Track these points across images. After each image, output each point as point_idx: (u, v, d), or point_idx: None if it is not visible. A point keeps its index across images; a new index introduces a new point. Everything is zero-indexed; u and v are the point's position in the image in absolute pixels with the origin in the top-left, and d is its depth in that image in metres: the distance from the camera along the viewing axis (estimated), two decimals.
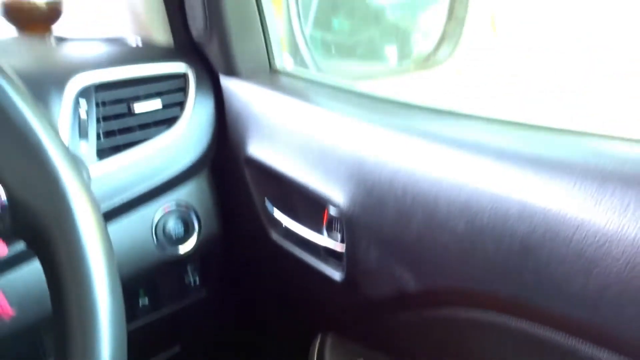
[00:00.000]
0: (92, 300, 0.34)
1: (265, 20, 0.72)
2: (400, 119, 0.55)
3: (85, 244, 0.34)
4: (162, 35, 0.77)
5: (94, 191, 0.61)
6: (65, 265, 0.34)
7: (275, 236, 0.67)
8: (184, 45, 0.76)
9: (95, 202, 0.36)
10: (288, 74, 0.74)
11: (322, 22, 0.88)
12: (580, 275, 0.37)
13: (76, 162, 0.36)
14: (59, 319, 0.34)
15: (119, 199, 0.64)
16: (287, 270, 0.68)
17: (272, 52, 0.74)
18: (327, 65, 0.87)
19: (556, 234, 0.38)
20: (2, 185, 0.34)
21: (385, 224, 0.51)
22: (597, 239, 0.36)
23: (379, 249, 0.52)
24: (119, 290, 0.36)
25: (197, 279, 0.77)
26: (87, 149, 0.62)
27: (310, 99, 0.64)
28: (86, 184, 0.36)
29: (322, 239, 0.60)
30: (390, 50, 0.95)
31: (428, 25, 0.93)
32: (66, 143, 0.60)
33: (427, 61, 0.86)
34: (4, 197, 0.34)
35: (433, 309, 0.51)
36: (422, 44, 0.93)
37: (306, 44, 0.83)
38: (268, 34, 0.73)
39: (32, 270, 0.56)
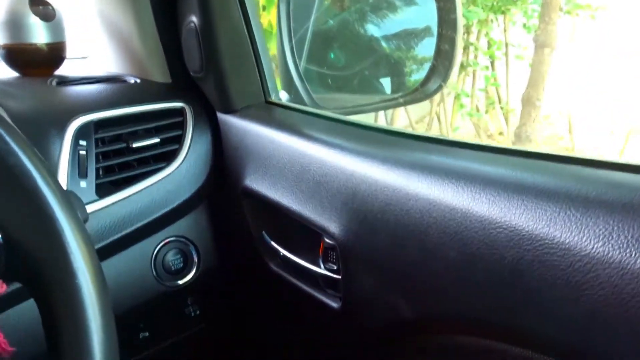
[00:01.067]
0: (86, 341, 0.34)
1: (259, 56, 0.74)
2: (391, 148, 0.56)
3: (79, 286, 0.35)
4: (160, 73, 0.79)
5: (93, 227, 0.63)
6: (60, 306, 0.34)
7: (273, 266, 0.68)
8: (182, 83, 0.78)
9: (89, 241, 0.37)
10: (283, 106, 0.76)
11: (316, 55, 0.90)
12: (570, 301, 0.37)
13: (71, 201, 0.37)
14: (52, 356, 0.34)
15: (118, 234, 0.65)
16: (286, 300, 0.69)
17: (267, 86, 0.76)
18: (322, 99, 0.89)
19: (544, 260, 0.39)
20: None
21: (379, 253, 0.52)
22: (584, 264, 0.37)
23: (374, 277, 0.53)
24: (113, 329, 0.37)
25: (197, 310, 0.77)
26: (86, 186, 0.63)
27: (304, 132, 0.65)
28: (81, 223, 0.37)
29: (319, 269, 0.60)
30: (384, 82, 0.97)
31: (421, 56, 0.95)
32: (66, 182, 0.62)
33: (416, 93, 0.88)
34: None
35: (430, 336, 0.51)
36: (417, 75, 0.95)
37: (300, 78, 0.85)
38: (262, 69, 0.75)
39: (30, 308, 0.56)
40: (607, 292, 0.35)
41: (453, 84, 3.05)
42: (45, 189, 0.36)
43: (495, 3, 2.69)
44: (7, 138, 0.36)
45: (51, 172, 0.38)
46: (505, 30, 2.90)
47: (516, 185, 0.43)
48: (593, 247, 0.36)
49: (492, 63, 2.93)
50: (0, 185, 0.36)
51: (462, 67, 2.98)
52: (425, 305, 0.49)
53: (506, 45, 2.91)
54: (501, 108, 3.09)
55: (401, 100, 0.88)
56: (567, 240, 0.38)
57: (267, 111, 0.74)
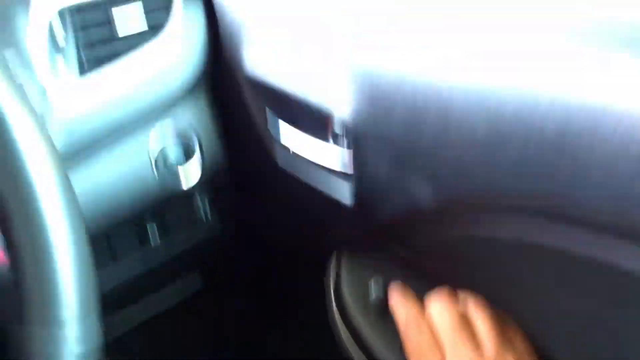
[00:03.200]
0: (48, 252, 0.30)
1: None
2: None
3: (38, 190, 0.30)
4: None
5: (78, 111, 0.55)
6: (17, 216, 0.30)
7: (281, 162, 0.62)
8: None
9: (47, 138, 0.31)
10: None
11: None
12: (626, 175, 0.30)
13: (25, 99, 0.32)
14: (15, 281, 0.30)
15: (107, 121, 0.58)
16: (296, 197, 0.63)
17: None
18: None
19: (596, 127, 0.31)
20: None
21: (394, 135, 0.45)
22: None
23: (388, 163, 0.47)
24: (83, 240, 0.32)
25: (208, 212, 0.73)
26: (65, 63, 0.54)
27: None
28: (31, 109, 0.31)
29: (329, 161, 0.54)
30: None
31: None
32: (43, 57, 0.53)
33: None
34: None
35: (453, 228, 0.45)
36: None
37: None
38: None
39: None
40: None
41: None
42: None
43: None
44: None
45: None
46: None
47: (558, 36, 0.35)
48: None
49: None
50: None
51: None
52: (449, 191, 0.43)
53: None
54: None
55: None
56: (624, 105, 0.30)
57: None
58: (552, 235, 0.37)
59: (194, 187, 0.67)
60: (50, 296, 0.31)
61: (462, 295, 0.50)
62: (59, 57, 0.54)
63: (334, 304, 0.60)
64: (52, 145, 0.35)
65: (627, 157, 0.30)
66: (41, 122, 0.35)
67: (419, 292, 0.53)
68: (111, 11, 0.57)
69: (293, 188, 0.62)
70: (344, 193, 0.54)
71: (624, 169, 0.30)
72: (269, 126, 0.62)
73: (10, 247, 0.31)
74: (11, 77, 0.35)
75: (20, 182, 0.31)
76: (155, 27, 0.60)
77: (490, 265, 0.46)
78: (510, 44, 0.37)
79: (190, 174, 0.67)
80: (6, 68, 0.35)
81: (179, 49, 0.61)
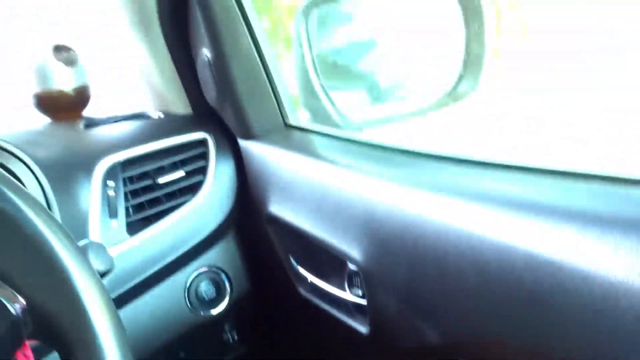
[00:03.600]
0: None
1: (273, 80, 0.75)
2: (405, 169, 0.56)
3: (101, 346, 0.36)
4: (180, 105, 0.81)
5: (127, 265, 0.65)
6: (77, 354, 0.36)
7: (302, 291, 0.68)
8: (202, 113, 0.79)
9: (108, 297, 0.39)
10: (301, 129, 0.76)
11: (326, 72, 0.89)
12: (590, 327, 0.36)
13: (87, 260, 0.39)
14: None
15: (151, 269, 0.67)
16: (317, 324, 0.69)
17: (284, 109, 0.77)
18: (352, 115, 0.87)
19: (563, 284, 0.38)
20: (19, 292, 0.37)
21: (400, 277, 0.51)
22: (604, 290, 0.35)
23: (398, 301, 0.53)
24: None
25: (235, 336, 0.79)
26: (117, 226, 0.65)
27: (322, 155, 0.65)
28: (98, 281, 0.39)
29: (345, 294, 0.60)
30: (405, 90, 0.96)
31: (444, 61, 0.93)
32: (97, 223, 0.64)
33: (449, 97, 0.86)
34: (24, 302, 0.37)
35: None
36: (441, 80, 0.93)
37: (327, 97, 0.84)
38: (278, 93, 0.76)
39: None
40: (629, 319, 0.34)
41: None
42: (62, 253, 0.38)
43: None
44: (22, 206, 0.38)
45: (67, 235, 0.39)
46: None
47: (530, 206, 0.42)
48: (612, 273, 0.35)
49: None
50: (20, 252, 0.38)
51: None
52: (449, 329, 0.48)
53: None
54: None
55: (429, 107, 0.86)
56: (585, 266, 0.36)
57: (286, 135, 0.75)
58: None
59: (222, 315, 0.74)
60: None
61: None
62: (113, 222, 0.65)
63: None
64: (106, 292, 0.42)
65: (591, 312, 0.36)
66: (98, 278, 0.42)
67: None
68: (158, 182, 0.68)
69: (313, 315, 0.68)
70: (360, 322, 0.60)
71: (589, 322, 0.36)
72: (291, 260, 0.69)
73: None
74: (74, 243, 0.43)
75: (83, 319, 0.37)
76: (193, 187, 0.71)
77: None
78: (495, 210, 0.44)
79: (219, 304, 0.74)
80: (68, 236, 0.43)
81: (214, 204, 0.72)
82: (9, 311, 0.36)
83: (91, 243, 0.49)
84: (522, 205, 0.42)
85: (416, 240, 0.49)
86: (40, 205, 0.39)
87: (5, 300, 0.36)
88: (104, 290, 0.39)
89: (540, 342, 0.40)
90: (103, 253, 0.51)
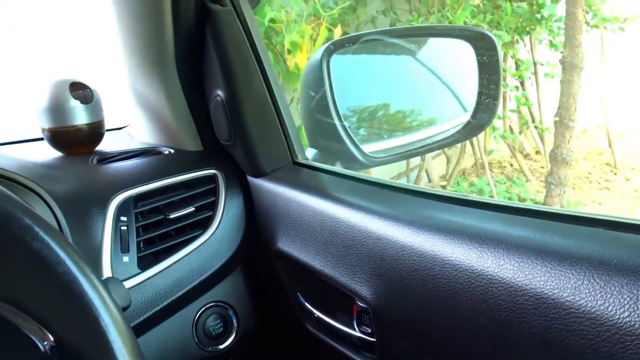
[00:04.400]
0: None
1: (284, 120, 0.77)
2: (416, 210, 0.58)
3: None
4: (192, 142, 0.83)
5: (137, 300, 0.66)
6: None
7: (310, 327, 0.69)
8: (213, 149, 0.81)
9: (131, 334, 0.40)
10: (309, 167, 0.78)
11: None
12: None
13: (112, 298, 0.40)
14: None
15: (161, 304, 0.68)
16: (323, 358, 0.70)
17: (293, 147, 0.79)
18: (375, 152, 0.88)
19: (572, 329, 0.39)
20: (48, 329, 0.38)
21: (411, 317, 0.53)
22: (611, 335, 0.37)
23: (407, 340, 0.54)
24: None
25: None
26: (129, 260, 0.67)
27: (331, 194, 0.67)
28: (122, 318, 0.40)
29: (353, 332, 0.61)
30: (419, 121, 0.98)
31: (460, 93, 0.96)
32: (109, 258, 0.65)
33: (467, 128, 0.89)
34: (52, 339, 0.38)
35: None
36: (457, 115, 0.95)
37: (348, 135, 0.86)
38: (288, 132, 0.78)
39: None
40: None
41: None
42: (89, 290, 0.39)
43: (519, 24, 2.68)
44: (55, 247, 0.39)
45: (92, 271, 0.41)
46: (532, 50, 2.88)
47: (539, 249, 0.44)
48: (619, 317, 0.37)
49: (521, 83, 2.91)
50: (50, 290, 0.39)
51: None
52: None
53: (534, 64, 2.88)
54: (535, 127, 3.04)
55: (446, 140, 0.89)
56: (593, 309, 0.38)
57: (295, 173, 0.77)
58: None
59: (228, 350, 0.74)
60: None
61: None
62: (125, 257, 0.66)
63: None
64: (129, 327, 0.43)
65: (600, 355, 0.37)
66: (122, 313, 0.43)
67: None
68: (169, 217, 0.70)
69: (320, 351, 0.68)
70: (368, 359, 0.61)
71: None
72: (299, 296, 0.70)
73: None
74: (99, 279, 0.44)
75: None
76: (203, 222, 0.72)
77: None
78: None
79: (226, 339, 0.74)
80: (93, 272, 0.44)
81: (222, 239, 0.73)
82: (38, 348, 0.37)
83: (110, 278, 0.50)
84: (529, 247, 0.44)
85: (425, 280, 0.51)
86: (69, 243, 0.41)
87: (34, 336, 0.37)
88: (128, 325, 0.40)
89: None
90: (122, 288, 0.52)
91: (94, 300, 0.39)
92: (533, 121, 3.01)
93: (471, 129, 0.88)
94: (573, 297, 0.39)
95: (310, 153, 0.85)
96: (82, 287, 0.39)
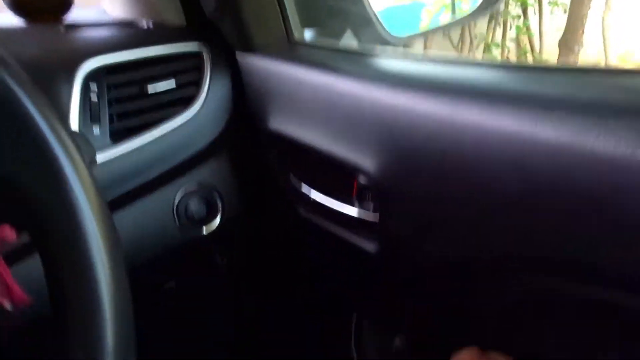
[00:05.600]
0: (93, 290, 0.31)
1: None
2: (435, 75, 0.50)
3: (85, 230, 0.31)
4: (173, 15, 0.74)
5: (109, 174, 0.59)
6: (62, 251, 0.31)
7: (303, 212, 0.63)
8: (197, 24, 0.72)
9: (96, 184, 0.33)
10: (308, 45, 0.70)
11: None
12: None
13: (78, 145, 0.34)
14: (58, 312, 0.31)
15: (136, 181, 0.62)
16: (318, 246, 0.65)
17: (289, 24, 0.70)
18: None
19: (628, 187, 0.33)
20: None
21: (422, 190, 0.46)
22: None
23: (415, 217, 0.48)
24: (124, 278, 0.33)
25: (224, 259, 0.75)
26: (99, 132, 0.59)
27: (333, 67, 0.59)
28: (87, 165, 0.33)
29: (354, 210, 0.55)
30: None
31: None
32: (77, 127, 0.58)
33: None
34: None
35: (480, 281, 0.46)
36: None
37: (373, 12, 0.77)
38: (284, 5, 0.69)
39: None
40: None
41: (482, 34, 2.91)
42: (49, 131, 0.33)
43: None
44: (11, 84, 0.34)
45: (55, 113, 0.34)
46: None
47: (587, 104, 0.37)
48: None
49: (524, 11, 2.78)
50: (6, 131, 0.32)
51: (492, 16, 2.84)
52: (478, 249, 0.44)
53: None
54: (533, 57, 2.95)
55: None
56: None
57: (290, 49, 0.68)
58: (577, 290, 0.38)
59: (212, 235, 0.69)
60: (90, 335, 0.31)
61: (492, 355, 0.50)
62: (94, 126, 0.58)
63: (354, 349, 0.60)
64: (99, 190, 0.36)
65: None
66: (91, 169, 0.36)
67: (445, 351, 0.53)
68: (146, 87, 0.61)
69: (313, 235, 0.63)
70: (367, 240, 0.55)
71: None
72: (291, 178, 0.64)
73: (53, 284, 0.32)
74: (69, 131, 0.37)
75: (71, 219, 0.31)
76: (185, 100, 0.65)
77: (510, 323, 0.46)
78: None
79: (209, 224, 0.68)
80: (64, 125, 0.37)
81: (207, 118, 0.66)
82: None
83: (78, 132, 0.43)
84: (574, 103, 0.37)
85: (444, 149, 0.44)
86: (32, 85, 0.35)
87: None
88: (92, 176, 0.33)
89: (600, 258, 0.35)
90: (88, 144, 0.45)
91: (51, 140, 0.33)
92: (532, 52, 2.91)
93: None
94: (630, 150, 0.33)
95: (309, 34, 0.76)
96: (39, 125, 0.33)
